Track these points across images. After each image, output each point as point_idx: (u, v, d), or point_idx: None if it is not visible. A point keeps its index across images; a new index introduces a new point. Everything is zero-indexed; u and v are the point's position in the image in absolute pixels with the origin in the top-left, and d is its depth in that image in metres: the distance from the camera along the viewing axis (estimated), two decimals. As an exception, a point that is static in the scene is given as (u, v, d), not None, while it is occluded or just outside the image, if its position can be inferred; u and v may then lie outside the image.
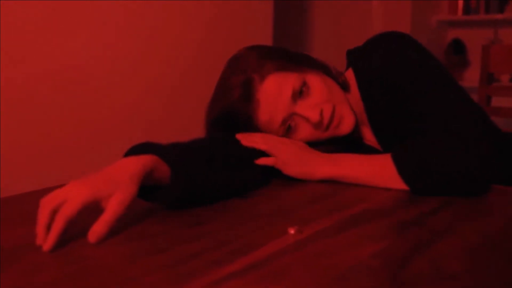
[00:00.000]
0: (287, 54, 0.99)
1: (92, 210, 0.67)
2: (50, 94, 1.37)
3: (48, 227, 0.64)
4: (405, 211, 0.78)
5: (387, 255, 0.61)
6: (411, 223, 0.72)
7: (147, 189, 0.75)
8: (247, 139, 0.94)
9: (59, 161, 1.38)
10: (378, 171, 0.87)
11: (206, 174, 0.81)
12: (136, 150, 0.77)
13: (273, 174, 0.94)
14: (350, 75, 1.05)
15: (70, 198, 0.65)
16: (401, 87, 0.94)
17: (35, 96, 1.34)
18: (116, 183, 0.68)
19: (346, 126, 0.98)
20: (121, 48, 1.59)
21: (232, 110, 0.94)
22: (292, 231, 0.68)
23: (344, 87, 1.02)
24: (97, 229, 0.65)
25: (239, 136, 0.95)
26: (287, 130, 0.97)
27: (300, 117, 0.96)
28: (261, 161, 0.93)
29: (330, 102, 0.96)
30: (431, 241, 0.65)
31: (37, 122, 1.36)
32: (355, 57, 1.04)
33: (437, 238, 0.66)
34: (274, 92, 0.93)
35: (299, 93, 0.95)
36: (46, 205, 0.65)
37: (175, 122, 1.65)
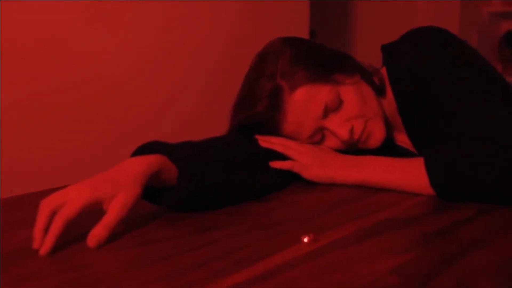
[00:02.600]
0: (322, 58, 0.91)
1: (94, 213, 0.64)
2: (63, 92, 1.35)
3: (47, 230, 0.61)
4: (435, 219, 0.71)
5: (409, 270, 0.55)
6: (439, 233, 0.65)
7: (155, 190, 0.71)
8: (265, 140, 0.89)
9: (81, 164, 1.36)
10: (407, 177, 0.80)
11: (217, 175, 0.76)
12: (143, 149, 0.73)
13: (294, 177, 0.89)
14: (385, 72, 0.98)
15: (70, 199, 0.62)
16: (434, 86, 0.86)
17: (42, 94, 1.32)
18: (119, 184, 0.64)
19: (374, 141, 0.91)
20: (148, 46, 1.56)
21: (257, 119, 0.88)
22: (306, 240, 0.63)
23: (380, 90, 0.95)
24: (97, 233, 0.62)
25: (257, 137, 0.90)
26: (313, 140, 0.91)
27: (328, 130, 0.90)
28: (277, 164, 0.88)
29: (362, 118, 0.89)
30: (460, 255, 0.58)
31: (51, 121, 1.34)
32: (388, 54, 0.97)
33: (468, 251, 0.59)
34: (304, 105, 0.87)
35: (332, 107, 0.88)
36: (45, 206, 0.62)
37: (205, 121, 1.61)
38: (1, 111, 1.23)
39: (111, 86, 1.45)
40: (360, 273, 0.54)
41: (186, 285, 0.52)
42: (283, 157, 0.89)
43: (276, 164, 0.88)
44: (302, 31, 2.03)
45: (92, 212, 0.64)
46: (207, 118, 1.56)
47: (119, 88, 1.47)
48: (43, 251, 0.59)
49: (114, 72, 1.46)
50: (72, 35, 1.35)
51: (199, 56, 1.68)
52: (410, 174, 0.80)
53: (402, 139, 0.99)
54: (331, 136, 0.90)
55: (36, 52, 1.29)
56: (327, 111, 0.88)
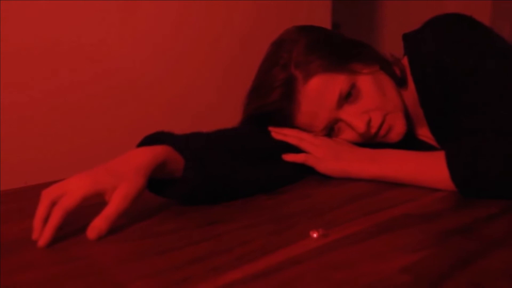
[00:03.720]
0: (338, 46, 0.87)
1: (97, 205, 0.62)
2: (74, 89, 1.33)
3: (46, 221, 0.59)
4: (454, 216, 0.67)
5: (421, 270, 0.51)
6: (458, 231, 0.61)
7: (161, 182, 0.69)
8: (278, 132, 0.86)
9: (93, 159, 1.34)
10: (426, 171, 0.76)
11: (225, 167, 0.73)
12: (149, 140, 0.71)
13: (308, 171, 0.85)
14: (406, 62, 0.93)
15: (70, 190, 0.60)
16: (458, 76, 0.81)
17: (57, 90, 1.31)
18: (122, 175, 0.62)
19: (395, 136, 0.87)
20: (164, 38, 1.53)
21: (270, 110, 0.85)
22: (315, 235, 0.60)
23: (401, 81, 0.91)
24: (97, 225, 0.60)
25: (270, 128, 0.86)
26: (328, 132, 0.88)
27: (344, 123, 0.86)
28: (290, 157, 0.84)
29: (381, 110, 0.85)
30: (479, 255, 0.54)
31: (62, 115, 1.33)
32: (409, 43, 0.92)
33: (487, 251, 0.55)
34: (317, 95, 0.83)
35: (346, 97, 0.84)
36: (45, 197, 0.60)
37: (222, 116, 1.57)
38: (13, 108, 1.23)
39: (125, 81, 1.43)
40: (368, 271, 0.51)
41: (181, 281, 0.50)
42: (296, 149, 0.85)
43: (289, 157, 0.85)
44: (324, 25, 1.97)
45: (94, 204, 0.62)
46: (224, 113, 1.53)
47: (133, 83, 1.45)
48: (42, 242, 0.58)
49: (128, 67, 1.43)
50: (84, 31, 1.33)
51: (216, 48, 1.64)
52: (430, 168, 0.76)
53: (424, 133, 0.94)
54: (347, 128, 0.86)
55: (50, 49, 1.28)
56: (342, 101, 0.84)
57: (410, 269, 0.51)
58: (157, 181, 0.69)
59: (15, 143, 1.23)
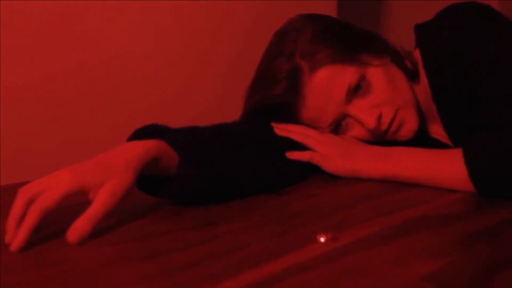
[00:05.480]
0: (347, 36, 0.82)
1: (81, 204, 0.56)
2: (72, 75, 1.28)
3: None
4: (477, 218, 0.60)
5: (446, 278, 0.45)
6: (482, 234, 0.55)
7: (153, 181, 0.63)
8: (282, 128, 0.80)
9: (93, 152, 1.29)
10: (442, 170, 0.69)
11: (224, 163, 0.67)
12: (140, 133, 0.65)
13: (313, 170, 0.79)
14: (418, 55, 0.88)
15: (50, 187, 0.54)
16: (474, 68, 0.75)
17: (52, 77, 1.26)
18: (108, 170, 0.56)
19: (406, 133, 0.81)
20: (165, 28, 1.48)
21: (273, 104, 0.80)
22: (323, 239, 0.53)
23: (413, 75, 0.85)
24: (79, 226, 0.54)
25: (274, 124, 0.80)
26: (335, 129, 0.82)
27: (353, 118, 0.81)
28: (294, 155, 0.78)
29: (392, 105, 0.79)
30: (509, 261, 0.48)
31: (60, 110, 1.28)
32: (422, 34, 0.86)
33: (518, 257, 0.49)
34: (325, 88, 0.77)
35: (355, 90, 0.78)
36: (22, 194, 0.54)
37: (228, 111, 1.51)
38: (15, 102, 1.18)
39: (125, 76, 1.37)
40: (385, 279, 0.45)
41: (172, 289, 0.44)
42: (301, 147, 0.79)
43: (293, 155, 0.78)
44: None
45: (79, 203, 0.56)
46: (227, 111, 1.47)
47: (132, 78, 1.40)
48: (15, 246, 0.51)
49: (127, 61, 1.38)
50: (81, 23, 1.28)
51: (218, 45, 1.59)
52: (446, 167, 0.69)
53: (436, 131, 0.88)
54: (356, 124, 0.80)
55: (45, 29, 1.23)
56: (351, 95, 0.78)
57: (432, 277, 0.45)
58: (148, 179, 0.63)
59: (15, 138, 1.18)
